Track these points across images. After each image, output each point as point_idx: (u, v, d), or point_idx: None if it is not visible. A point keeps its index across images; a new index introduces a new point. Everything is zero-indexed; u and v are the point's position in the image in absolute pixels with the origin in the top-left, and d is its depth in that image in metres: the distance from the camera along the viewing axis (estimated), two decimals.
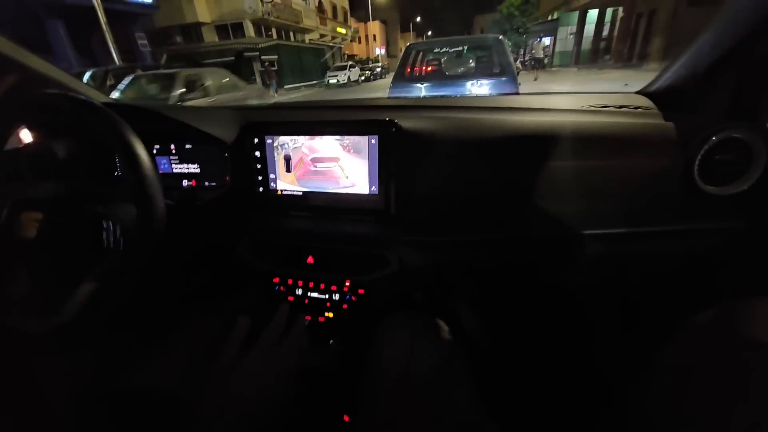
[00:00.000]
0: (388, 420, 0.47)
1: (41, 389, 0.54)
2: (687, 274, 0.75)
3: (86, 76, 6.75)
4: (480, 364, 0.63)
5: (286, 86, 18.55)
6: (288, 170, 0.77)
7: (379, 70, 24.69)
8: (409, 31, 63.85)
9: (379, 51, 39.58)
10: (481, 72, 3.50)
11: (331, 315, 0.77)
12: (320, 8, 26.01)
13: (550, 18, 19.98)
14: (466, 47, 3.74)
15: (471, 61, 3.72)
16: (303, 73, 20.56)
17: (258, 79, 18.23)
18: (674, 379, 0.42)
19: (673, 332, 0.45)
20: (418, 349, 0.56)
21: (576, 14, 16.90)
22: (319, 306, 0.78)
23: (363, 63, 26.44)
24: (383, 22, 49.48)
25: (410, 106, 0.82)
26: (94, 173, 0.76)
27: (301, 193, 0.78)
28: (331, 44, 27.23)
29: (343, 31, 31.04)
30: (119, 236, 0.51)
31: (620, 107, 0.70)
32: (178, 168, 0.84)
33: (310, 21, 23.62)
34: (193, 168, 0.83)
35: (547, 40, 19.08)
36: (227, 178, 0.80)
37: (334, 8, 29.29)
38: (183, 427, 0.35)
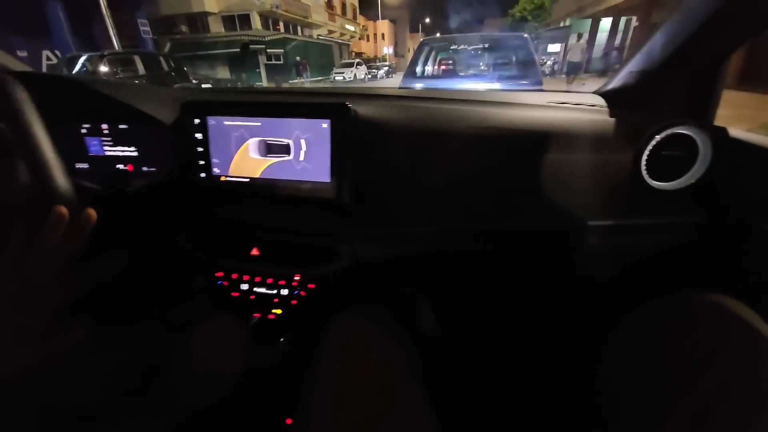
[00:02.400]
0: (325, 426, 0.43)
1: None
2: (642, 269, 0.77)
3: (81, 60, 6.58)
4: (436, 362, 0.62)
5: (290, 81, 18.33)
6: (233, 155, 0.71)
7: (385, 69, 24.24)
8: (418, 31, 63.61)
9: (387, 50, 39.32)
10: (500, 73, 3.28)
11: (279, 312, 0.73)
12: (329, 4, 25.77)
13: (562, 24, 19.73)
14: (486, 45, 3.47)
15: (488, 60, 3.46)
16: (309, 69, 20.33)
17: (263, 72, 18.08)
18: (616, 372, 0.43)
19: (619, 326, 0.47)
20: (369, 347, 0.54)
21: (589, 21, 16.68)
22: (267, 302, 0.73)
23: (370, 61, 26.20)
24: (392, 21, 49.20)
25: (372, 95, 0.79)
26: None
27: (247, 180, 0.71)
28: (338, 41, 26.98)
29: (351, 28, 30.80)
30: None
31: (576, 104, 0.71)
32: (112, 151, 0.75)
33: (318, 16, 23.39)
34: (129, 151, 0.75)
35: (556, 46, 18.80)
36: (166, 162, 0.73)
37: (344, 5, 29.03)
38: None
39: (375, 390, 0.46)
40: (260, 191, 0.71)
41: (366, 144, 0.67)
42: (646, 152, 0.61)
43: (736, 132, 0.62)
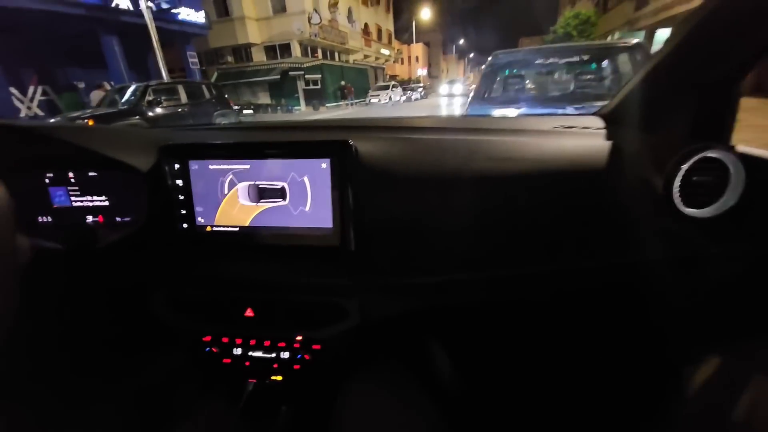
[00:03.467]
0: None
1: None
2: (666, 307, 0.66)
3: (129, 89, 6.78)
4: (462, 418, 0.59)
5: (327, 104, 18.64)
6: (220, 202, 0.62)
7: (420, 90, 24.19)
8: (452, 53, 64.25)
9: (421, 72, 39.54)
10: (588, 94, 2.50)
11: (279, 378, 0.65)
12: (366, 30, 26.41)
13: (609, 39, 18.54)
14: (585, 57, 2.69)
15: (574, 78, 2.74)
16: (353, 93, 20.67)
17: (301, 97, 18.55)
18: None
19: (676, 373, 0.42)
20: (391, 417, 0.50)
21: (642, 34, 15.50)
22: (265, 368, 0.65)
23: (405, 83, 26.31)
24: (426, 44, 49.90)
25: (370, 126, 0.72)
26: None
27: (236, 229, 0.62)
28: (373, 65, 27.48)
29: (386, 52, 31.36)
30: None
31: (584, 128, 0.66)
32: (80, 201, 0.66)
33: (355, 42, 23.95)
34: (100, 200, 0.66)
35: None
36: (141, 212, 0.64)
37: (379, 31, 29.71)
38: None
39: None
40: (252, 241, 0.62)
41: (370, 184, 0.59)
42: (679, 178, 0.53)
43: (760, 152, 0.55)
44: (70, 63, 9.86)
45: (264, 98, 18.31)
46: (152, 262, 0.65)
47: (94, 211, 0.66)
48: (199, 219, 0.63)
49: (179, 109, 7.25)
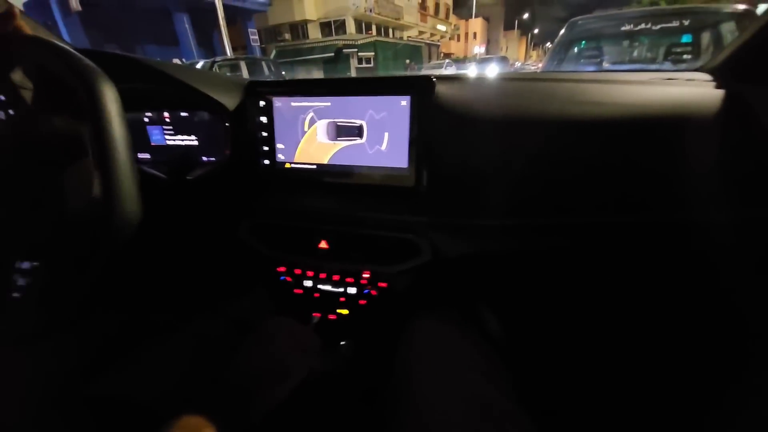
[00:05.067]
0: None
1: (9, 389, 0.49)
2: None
3: (198, 65, 7.25)
4: (522, 372, 0.56)
5: None
6: (299, 139, 0.64)
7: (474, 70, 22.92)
8: (513, 28, 59.68)
9: (478, 49, 37.26)
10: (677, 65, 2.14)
11: (346, 312, 0.67)
12: (423, 5, 25.34)
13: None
14: (683, 22, 2.26)
15: (658, 50, 2.37)
16: (397, 70, 20.23)
17: (353, 75, 18.52)
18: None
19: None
20: (454, 358, 0.50)
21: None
22: (332, 301, 0.67)
23: (459, 62, 25.11)
24: (486, 18, 46.80)
25: (457, 77, 0.66)
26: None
27: (314, 167, 0.65)
28: (428, 41, 26.45)
29: (443, 28, 29.94)
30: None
31: (688, 80, 0.60)
32: (173, 140, 0.72)
33: (410, 18, 23.14)
34: (190, 140, 0.71)
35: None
36: (226, 151, 0.68)
37: (437, 5, 28.32)
38: None
39: (478, 413, 0.41)
40: (329, 179, 0.65)
41: (448, 125, 0.58)
42: None
43: None
44: (148, 41, 10.73)
45: (318, 75, 18.58)
46: (238, 194, 0.69)
47: (185, 149, 0.71)
48: (280, 156, 0.66)
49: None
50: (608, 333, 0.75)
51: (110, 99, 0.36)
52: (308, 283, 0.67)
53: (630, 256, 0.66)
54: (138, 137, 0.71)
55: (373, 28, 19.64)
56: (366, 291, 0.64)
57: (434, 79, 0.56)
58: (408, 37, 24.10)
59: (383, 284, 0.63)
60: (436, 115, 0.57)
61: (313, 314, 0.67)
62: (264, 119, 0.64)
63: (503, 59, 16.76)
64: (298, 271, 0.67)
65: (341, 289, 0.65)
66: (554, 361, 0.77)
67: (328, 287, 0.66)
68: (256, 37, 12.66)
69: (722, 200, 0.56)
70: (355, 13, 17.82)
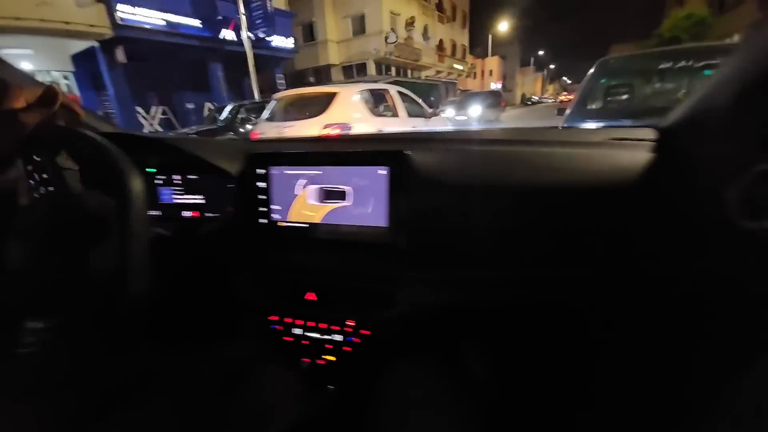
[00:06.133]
0: None
1: None
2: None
3: (227, 108, 7.71)
4: (495, 416, 0.60)
5: None
6: (291, 201, 0.73)
7: None
8: (529, 65, 61.15)
9: (494, 86, 38.25)
10: None
11: (333, 359, 0.73)
12: (440, 46, 26.54)
13: (728, 41, 15.69)
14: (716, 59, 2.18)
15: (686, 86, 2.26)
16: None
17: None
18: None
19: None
20: (427, 403, 0.54)
21: None
22: (319, 347, 0.73)
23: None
24: (502, 57, 48.33)
25: (424, 139, 0.82)
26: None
27: (305, 225, 0.73)
28: (445, 80, 27.39)
29: (459, 67, 31.09)
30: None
31: (639, 140, 0.65)
32: (180, 199, 0.81)
33: (428, 59, 24.20)
34: (197, 199, 0.80)
35: None
36: (229, 209, 0.78)
37: (454, 46, 29.65)
38: None
39: None
40: (317, 236, 0.72)
41: (422, 189, 0.66)
42: (738, 190, 0.51)
43: None
44: (185, 88, 11.61)
45: None
46: (236, 250, 0.76)
47: (191, 207, 0.79)
48: (275, 215, 0.73)
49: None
50: (574, 374, 0.78)
51: (136, 185, 0.43)
52: (297, 331, 0.73)
53: (587, 304, 0.71)
54: (149, 197, 0.78)
55: (393, 69, 20.58)
56: (350, 338, 0.70)
57: (408, 153, 0.63)
58: (426, 76, 25.07)
59: (366, 332, 0.69)
60: (410, 182, 0.64)
61: (303, 360, 0.73)
62: (262, 184, 0.72)
63: (494, 93, 15.63)
64: (288, 320, 0.73)
65: (328, 337, 0.71)
66: (528, 399, 0.80)
67: (315, 335, 0.72)
68: (283, 81, 13.48)
69: (665, 255, 0.60)
70: (376, 57, 18.80)
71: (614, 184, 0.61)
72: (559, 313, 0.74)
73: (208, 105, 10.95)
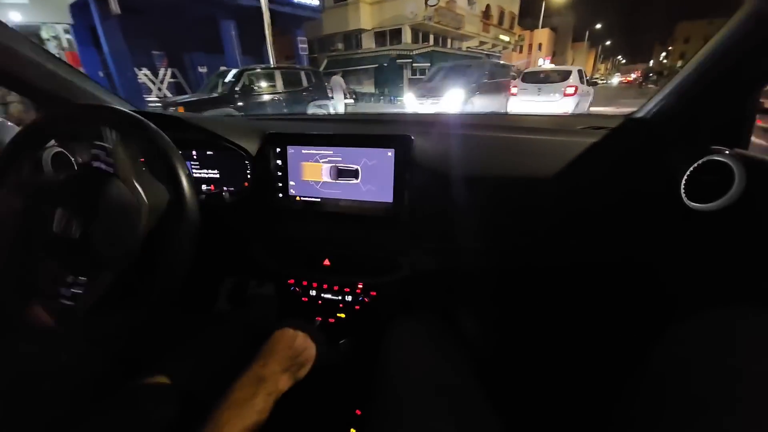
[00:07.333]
0: (396, 412, 0.50)
1: (58, 380, 0.59)
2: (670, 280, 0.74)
3: (230, 74, 6.40)
4: (482, 362, 0.67)
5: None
6: (307, 178, 0.82)
7: None
8: (583, 40, 55.15)
9: (543, 62, 34.40)
10: None
11: (343, 316, 0.84)
12: (486, 14, 23.63)
13: None
14: None
15: None
16: None
17: (405, 87, 17.41)
18: (662, 379, 0.44)
19: (663, 333, 0.49)
20: (425, 349, 0.62)
21: None
22: (332, 307, 0.84)
23: None
24: (553, 29, 43.53)
25: (429, 121, 0.91)
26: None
27: (319, 200, 0.83)
28: (488, 52, 24.62)
29: (506, 38, 27.85)
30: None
31: (615, 129, 0.75)
32: (198, 173, 0.90)
33: (471, 27, 21.59)
34: (213, 173, 0.89)
35: None
36: (245, 183, 0.87)
37: (501, 14, 26.36)
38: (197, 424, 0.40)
39: (433, 389, 0.52)
40: (330, 210, 0.82)
41: (423, 171, 0.75)
42: (686, 176, 0.60)
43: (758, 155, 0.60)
44: (196, 48, 10.44)
45: (368, 87, 17.70)
46: (254, 221, 0.88)
47: (208, 181, 0.89)
48: (292, 191, 0.84)
49: (274, 97, 6.70)
50: (559, 331, 0.91)
51: (187, 176, 0.55)
52: (313, 293, 0.84)
53: (570, 274, 0.85)
54: None
55: (431, 37, 18.43)
56: (360, 298, 0.81)
57: (412, 138, 0.72)
58: (467, 47, 22.54)
59: (374, 293, 0.80)
60: (413, 163, 0.74)
61: (316, 318, 0.84)
62: (279, 162, 0.82)
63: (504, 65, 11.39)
64: (305, 283, 0.84)
65: (340, 297, 0.82)
66: (514, 351, 0.95)
67: (329, 296, 0.83)
68: (306, 45, 12.01)
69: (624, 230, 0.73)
70: (412, 22, 16.76)
71: (588, 169, 0.71)
72: (531, 275, 0.89)
73: (222, 69, 9.79)
